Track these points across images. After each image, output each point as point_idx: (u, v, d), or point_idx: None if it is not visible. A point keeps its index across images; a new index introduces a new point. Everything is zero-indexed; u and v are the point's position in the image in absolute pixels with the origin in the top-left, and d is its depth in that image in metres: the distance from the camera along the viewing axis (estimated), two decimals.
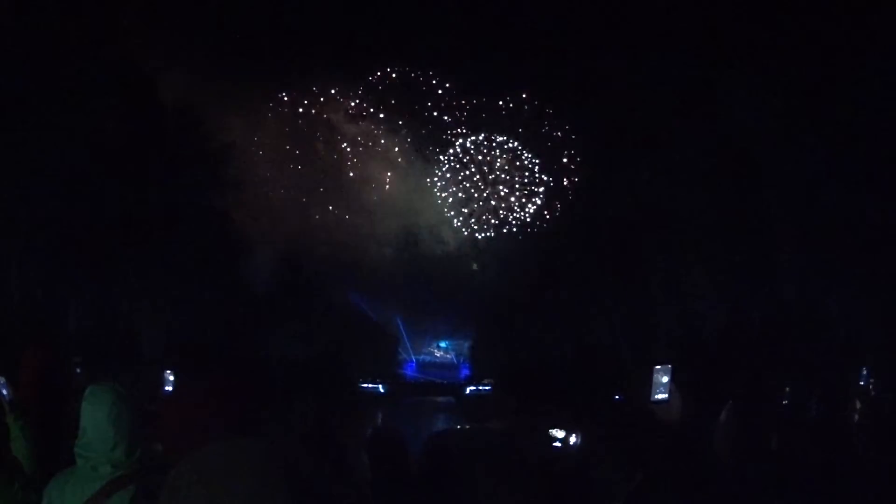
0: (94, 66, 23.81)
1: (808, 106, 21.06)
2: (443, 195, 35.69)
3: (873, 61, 19.31)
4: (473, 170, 35.41)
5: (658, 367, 3.10)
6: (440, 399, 33.92)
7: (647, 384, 2.98)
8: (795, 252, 22.52)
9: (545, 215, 34.19)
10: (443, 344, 40.82)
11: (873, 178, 19.91)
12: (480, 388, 32.94)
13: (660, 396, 3.11)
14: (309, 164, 34.64)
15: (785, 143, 21.86)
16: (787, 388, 6.74)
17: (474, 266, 35.16)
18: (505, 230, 35.00)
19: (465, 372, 38.98)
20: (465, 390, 34.17)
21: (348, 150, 35.07)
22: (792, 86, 21.25)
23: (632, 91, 24.71)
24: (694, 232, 23.85)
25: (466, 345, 39.71)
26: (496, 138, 35.05)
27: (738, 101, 21.99)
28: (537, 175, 34.58)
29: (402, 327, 38.70)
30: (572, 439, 4.70)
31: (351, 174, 35.08)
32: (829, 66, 20.01)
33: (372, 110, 34.45)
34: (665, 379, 3.14)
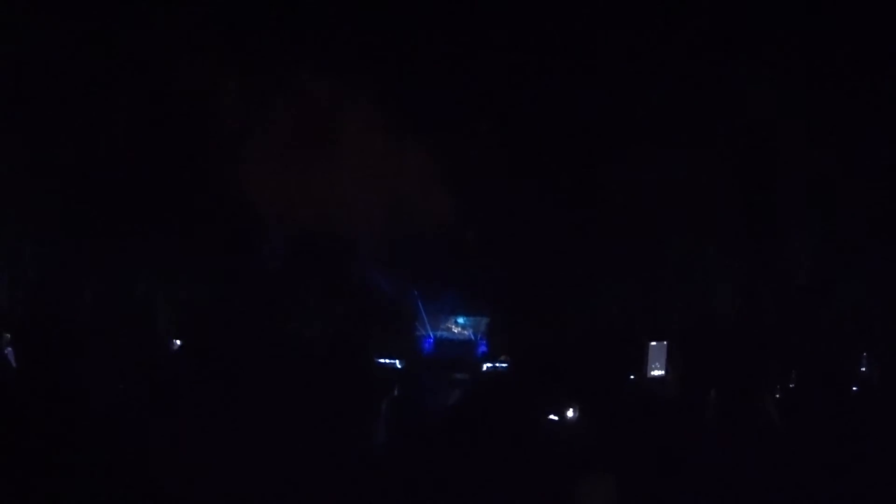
0: (102, 53, 23.95)
1: (819, 93, 20.96)
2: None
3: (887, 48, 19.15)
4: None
5: (653, 343, 3.22)
6: (457, 376, 34.03)
7: (644, 361, 3.10)
8: (803, 238, 22.53)
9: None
10: (460, 320, 40.85)
11: (886, 166, 19.85)
12: (497, 364, 33.10)
13: (655, 373, 3.23)
14: (314, 142, 34.53)
15: (798, 132, 21.79)
16: (793, 372, 6.83)
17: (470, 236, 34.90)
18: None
19: (482, 349, 39.06)
20: (482, 367, 34.30)
21: (351, 124, 34.86)
22: (804, 72, 21.13)
23: (641, 76, 24.64)
24: (706, 217, 23.92)
25: (484, 321, 39.75)
26: None
27: (750, 87, 21.91)
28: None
29: (419, 303, 38.81)
30: (569, 413, 4.84)
31: (355, 148, 34.84)
32: (845, 51, 19.87)
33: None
34: (660, 356, 3.26)
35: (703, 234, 25.04)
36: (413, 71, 33.23)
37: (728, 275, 24.88)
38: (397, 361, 34.52)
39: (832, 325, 20.86)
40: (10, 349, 3.95)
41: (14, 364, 3.91)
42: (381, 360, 32.38)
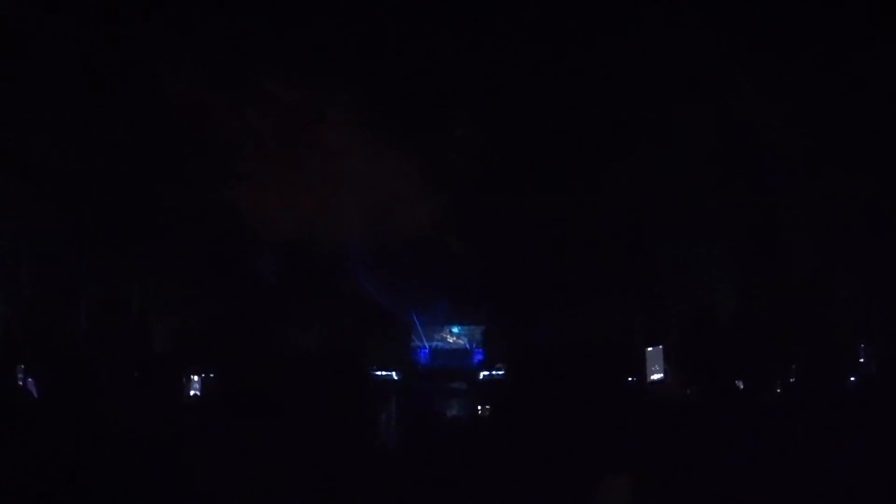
0: (97, 59, 23.86)
1: (816, 90, 21.02)
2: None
3: (883, 46, 19.19)
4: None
5: (650, 349, 3.23)
6: (454, 385, 34.12)
7: (643, 366, 3.10)
8: (800, 234, 22.62)
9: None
10: (455, 330, 40.91)
11: (883, 162, 19.90)
12: (493, 373, 33.14)
13: (655, 377, 3.23)
14: (309, 154, 34.43)
15: (792, 130, 21.89)
16: (794, 366, 6.85)
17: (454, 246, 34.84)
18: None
19: (478, 357, 39.17)
20: (479, 375, 34.34)
21: (341, 135, 34.76)
22: (799, 69, 21.19)
23: (634, 76, 24.65)
24: (700, 215, 24.02)
25: (479, 330, 39.84)
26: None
27: (743, 85, 21.98)
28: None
29: (413, 314, 38.84)
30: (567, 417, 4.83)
31: (345, 161, 34.77)
32: (839, 49, 19.90)
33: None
34: (658, 360, 3.27)
35: (697, 232, 25.15)
36: (406, 80, 33.20)
37: (724, 272, 25.01)
38: (394, 373, 34.59)
39: (830, 319, 20.94)
40: (31, 380, 3.94)
41: (36, 395, 3.91)
42: (378, 372, 32.46)
